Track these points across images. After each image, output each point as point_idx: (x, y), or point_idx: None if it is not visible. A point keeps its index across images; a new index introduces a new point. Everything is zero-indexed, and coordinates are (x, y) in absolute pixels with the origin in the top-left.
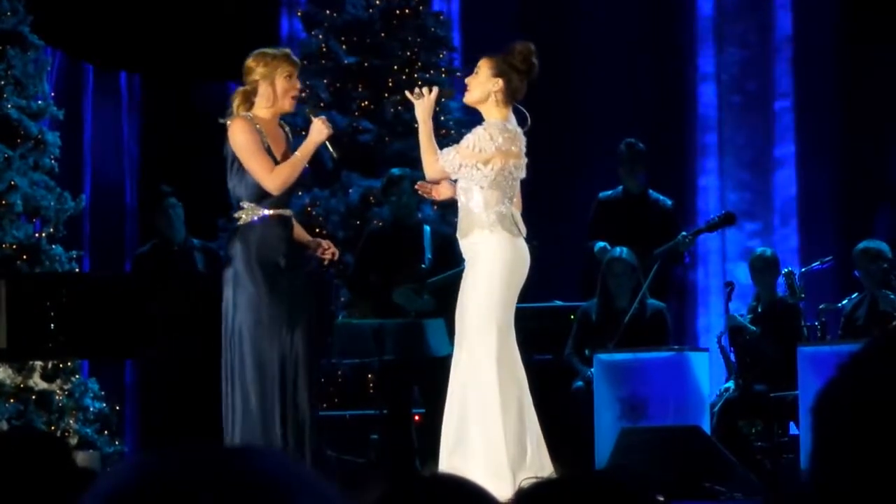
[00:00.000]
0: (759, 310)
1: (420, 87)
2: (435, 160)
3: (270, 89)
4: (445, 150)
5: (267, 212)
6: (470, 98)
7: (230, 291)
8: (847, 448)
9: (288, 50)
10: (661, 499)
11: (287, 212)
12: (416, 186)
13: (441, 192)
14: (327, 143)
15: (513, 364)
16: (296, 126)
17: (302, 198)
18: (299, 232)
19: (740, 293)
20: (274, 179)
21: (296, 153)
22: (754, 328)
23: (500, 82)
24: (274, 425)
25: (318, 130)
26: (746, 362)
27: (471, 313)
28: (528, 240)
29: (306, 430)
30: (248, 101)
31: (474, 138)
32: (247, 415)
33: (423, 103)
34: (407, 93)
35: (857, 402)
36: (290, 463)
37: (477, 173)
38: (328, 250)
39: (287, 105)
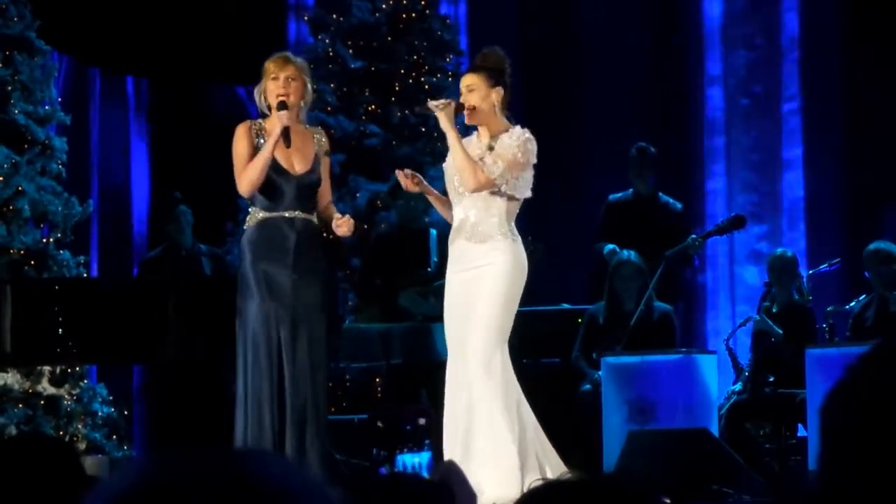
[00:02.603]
0: (774, 311)
1: (434, 100)
2: (478, 170)
3: (264, 94)
4: (491, 162)
5: (269, 215)
6: (476, 117)
7: (239, 295)
8: (855, 449)
9: (282, 53)
10: (668, 501)
11: (295, 213)
12: (397, 174)
13: (419, 186)
14: (282, 137)
15: (510, 369)
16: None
17: None
18: (328, 215)
19: (748, 294)
20: (240, 182)
21: (258, 154)
22: (780, 331)
23: (500, 91)
24: (271, 429)
25: (272, 124)
26: (762, 365)
27: (482, 319)
28: (532, 243)
29: (313, 434)
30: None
31: (519, 150)
32: (249, 418)
33: (450, 114)
34: (431, 104)
35: (866, 403)
36: (293, 468)
37: (522, 182)
38: (342, 220)
39: (274, 102)
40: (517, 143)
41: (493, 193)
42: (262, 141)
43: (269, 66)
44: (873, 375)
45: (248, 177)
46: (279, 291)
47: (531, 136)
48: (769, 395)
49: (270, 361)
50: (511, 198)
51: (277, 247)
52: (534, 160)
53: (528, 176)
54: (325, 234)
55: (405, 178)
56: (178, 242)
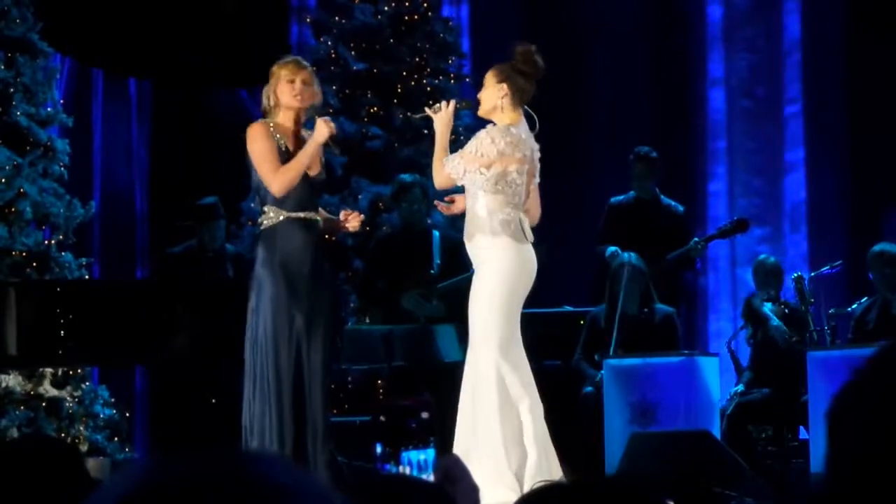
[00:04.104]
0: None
1: (437, 102)
2: (439, 166)
3: (275, 95)
4: (450, 156)
5: (289, 214)
6: (482, 111)
7: (254, 296)
8: (861, 452)
9: (295, 57)
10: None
11: (310, 214)
12: (436, 205)
13: (459, 207)
14: (331, 143)
15: (518, 370)
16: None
17: None
18: (326, 218)
19: None
20: (276, 181)
21: (298, 154)
22: (788, 332)
23: (504, 87)
24: (289, 432)
25: (320, 131)
26: (764, 364)
27: (474, 319)
28: (538, 244)
29: (319, 436)
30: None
31: (476, 143)
32: (266, 421)
33: (443, 116)
34: (427, 109)
35: (873, 407)
36: (297, 470)
37: (479, 177)
38: (350, 215)
39: (293, 103)
40: (478, 138)
41: (472, 191)
42: (281, 140)
43: (285, 68)
44: (881, 378)
45: (287, 179)
46: (298, 289)
47: (498, 131)
48: (771, 397)
49: (290, 360)
50: (487, 191)
51: (297, 246)
52: (494, 153)
53: (498, 171)
54: (326, 236)
55: (444, 206)
56: (206, 245)
